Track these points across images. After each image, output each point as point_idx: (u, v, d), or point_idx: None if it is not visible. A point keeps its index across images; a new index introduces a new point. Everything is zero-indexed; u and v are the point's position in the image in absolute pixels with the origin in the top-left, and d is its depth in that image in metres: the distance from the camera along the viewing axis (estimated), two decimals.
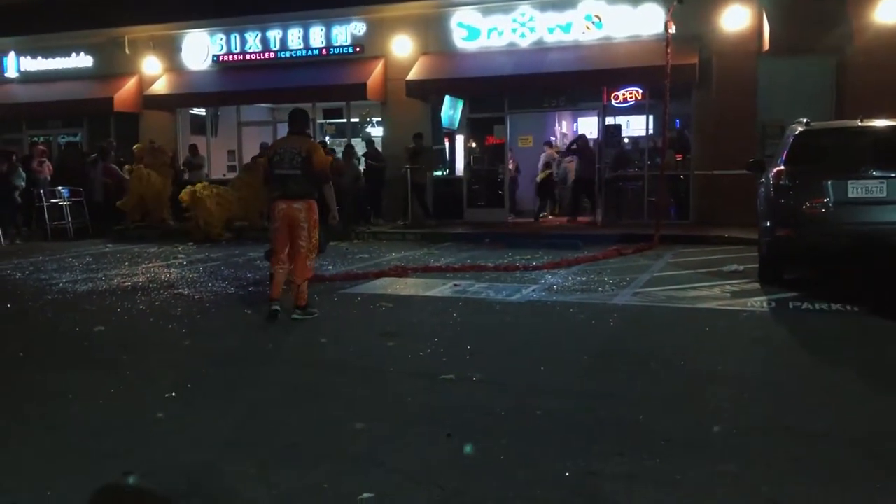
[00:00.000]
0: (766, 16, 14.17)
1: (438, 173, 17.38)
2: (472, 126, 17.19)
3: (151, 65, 19.03)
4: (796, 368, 5.54)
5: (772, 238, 8.42)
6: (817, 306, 7.48)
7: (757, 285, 8.66)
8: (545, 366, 5.53)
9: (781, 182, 8.28)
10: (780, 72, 14.39)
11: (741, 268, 9.70)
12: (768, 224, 8.49)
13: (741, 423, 4.31)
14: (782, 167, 8.39)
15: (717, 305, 7.67)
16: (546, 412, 4.49)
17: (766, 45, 14.16)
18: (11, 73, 20.43)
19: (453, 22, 16.55)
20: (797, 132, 8.71)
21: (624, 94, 15.51)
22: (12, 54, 20.33)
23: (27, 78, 20.27)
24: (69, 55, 19.85)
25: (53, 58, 20.01)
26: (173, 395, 4.99)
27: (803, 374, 5.37)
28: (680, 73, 13.57)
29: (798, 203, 8.13)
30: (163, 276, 10.26)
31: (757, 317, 7.19)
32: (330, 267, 10.89)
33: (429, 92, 16.52)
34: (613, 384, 5.09)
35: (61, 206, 16.23)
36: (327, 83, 17.02)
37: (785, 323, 6.98)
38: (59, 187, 16.34)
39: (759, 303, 7.72)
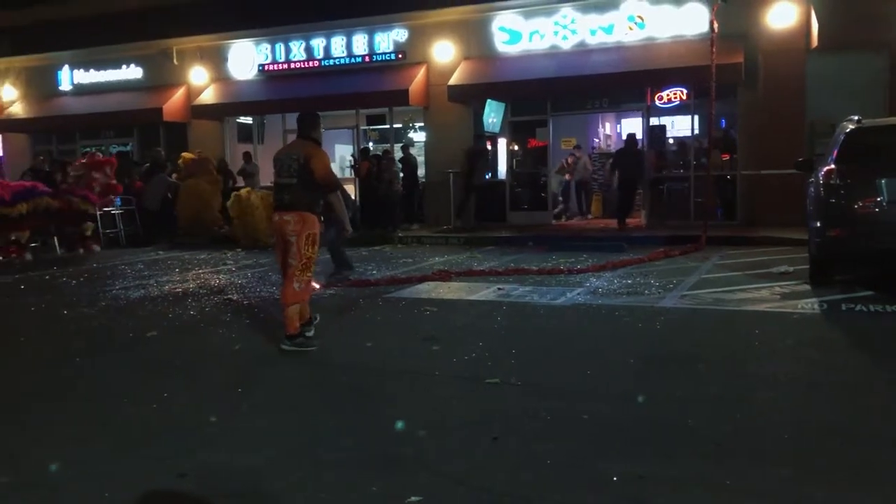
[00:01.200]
0: (815, 12, 13.88)
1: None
2: (515, 129, 17.18)
3: (199, 75, 19.41)
4: (850, 371, 5.40)
5: (822, 238, 8.23)
6: (871, 308, 7.29)
7: (807, 287, 8.48)
8: (591, 369, 5.49)
9: (832, 181, 8.10)
10: (830, 69, 14.08)
11: (791, 269, 9.51)
12: (819, 224, 8.31)
13: (794, 428, 4.22)
14: (833, 166, 8.21)
15: (767, 308, 7.52)
16: (592, 416, 4.45)
17: (815, 41, 13.87)
18: (66, 85, 21.07)
19: (495, 26, 16.56)
20: (848, 130, 8.52)
21: (668, 95, 15.34)
22: (66, 68, 20.96)
23: (80, 90, 20.87)
24: (120, 67, 20.40)
25: (105, 70, 20.60)
26: (223, 398, 5.07)
27: (858, 377, 5.24)
28: (725, 73, 13.37)
29: (850, 202, 7.95)
30: (212, 282, 10.44)
31: (808, 319, 7.03)
32: (374, 271, 10.96)
33: (471, 96, 16.56)
34: (661, 387, 5.02)
35: (114, 214, 16.61)
36: (370, 90, 17.18)
37: (837, 325, 6.82)
38: (113, 196, 16.69)
39: (809, 304, 7.56)
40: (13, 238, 14.11)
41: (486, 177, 17.28)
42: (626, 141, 15.78)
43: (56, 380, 5.74)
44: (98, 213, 15.83)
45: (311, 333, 6.54)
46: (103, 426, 4.59)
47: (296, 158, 6.34)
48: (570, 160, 18.09)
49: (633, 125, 18.31)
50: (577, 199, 18.49)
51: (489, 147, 17.45)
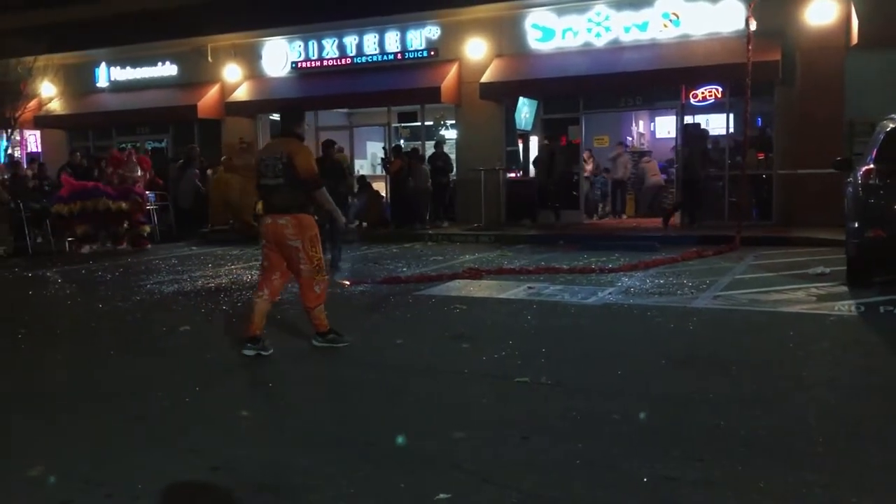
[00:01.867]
0: (855, 8, 13.64)
1: (512, 175, 17.37)
2: (547, 127, 17.10)
3: (233, 72, 19.61)
4: (887, 374, 5.30)
5: (860, 239, 8.09)
6: None
7: (844, 288, 8.34)
8: (622, 369, 5.45)
9: (871, 181, 7.96)
10: (870, 66, 13.80)
11: (827, 270, 9.36)
12: (857, 225, 8.16)
13: (829, 431, 4.15)
14: (872, 165, 8.06)
15: (803, 309, 7.41)
16: (623, 416, 4.43)
17: (855, 38, 13.63)
18: (103, 82, 21.43)
19: (527, 23, 16.50)
20: (889, 129, 8.36)
21: (703, 93, 15.18)
22: (103, 65, 21.31)
23: (117, 87, 21.21)
24: (155, 64, 20.69)
25: (141, 67, 20.90)
26: (254, 393, 5.13)
27: (895, 381, 5.14)
28: (762, 71, 13.19)
29: (889, 203, 7.81)
30: (244, 278, 10.55)
31: (845, 321, 6.92)
32: (404, 269, 11.00)
33: (503, 94, 16.53)
34: (693, 389, 4.97)
35: (149, 210, 16.83)
36: (402, 87, 17.22)
37: (875, 327, 6.70)
38: (147, 192, 16.91)
39: (846, 306, 7.43)
40: (76, 233, 14.43)
41: (514, 175, 17.21)
42: (694, 136, 15.41)
43: (91, 373, 5.84)
44: (152, 207, 16.04)
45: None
46: (137, 419, 4.66)
47: (279, 157, 6.05)
48: (614, 156, 17.84)
49: (667, 123, 18.18)
50: (612, 198, 18.35)
51: (520, 145, 17.39)
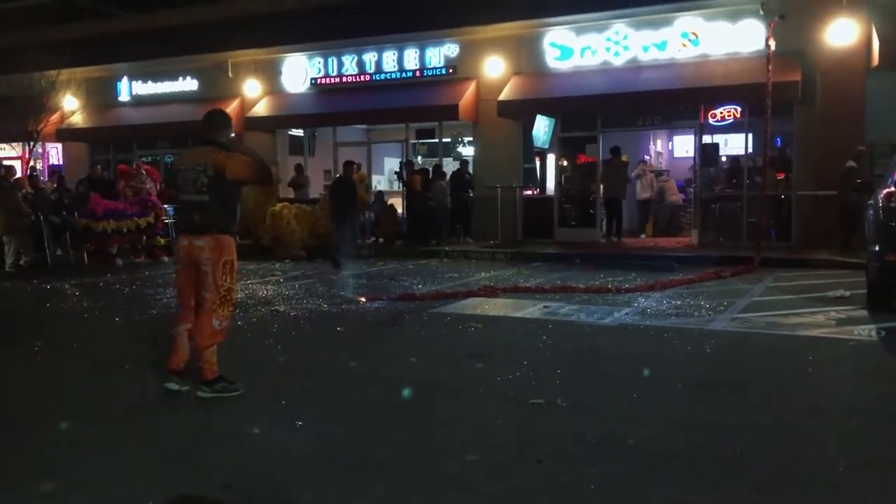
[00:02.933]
0: (876, 29, 13.57)
1: (529, 192, 17.37)
2: (564, 144, 17.12)
3: (252, 88, 19.78)
4: None
5: (881, 263, 8.00)
6: None
7: (865, 312, 8.24)
8: (638, 392, 5.40)
9: (892, 204, 7.88)
10: (891, 88, 13.68)
11: (848, 293, 9.26)
12: (877, 248, 8.08)
13: (849, 459, 4.09)
14: (893, 188, 7.98)
15: (822, 333, 7.33)
16: (638, 440, 4.38)
17: (876, 60, 13.55)
18: (124, 96, 21.68)
19: (546, 42, 16.55)
20: None
21: (722, 113, 15.14)
22: (125, 79, 21.57)
23: (138, 101, 21.45)
24: (176, 79, 20.90)
25: (162, 82, 21.12)
26: (268, 410, 5.12)
27: None
28: (781, 91, 13.13)
29: None
30: (259, 293, 10.59)
31: (865, 346, 6.83)
32: (420, 286, 10.99)
33: (520, 112, 16.57)
34: (709, 414, 4.92)
35: (166, 223, 16.93)
36: (420, 104, 17.31)
37: None
38: (165, 205, 17.00)
39: (867, 331, 7.34)
40: (112, 249, 14.73)
41: (531, 193, 17.19)
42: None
43: (104, 388, 5.86)
44: (169, 221, 16.17)
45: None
46: (149, 435, 4.67)
47: (202, 171, 5.35)
48: (637, 174, 17.73)
49: (685, 142, 18.13)
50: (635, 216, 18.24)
51: (537, 162, 17.39)
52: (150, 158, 21.49)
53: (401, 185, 17.87)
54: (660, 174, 18.38)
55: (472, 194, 17.12)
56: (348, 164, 14.50)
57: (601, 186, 16.31)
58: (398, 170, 18.28)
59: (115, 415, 5.12)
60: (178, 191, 5.50)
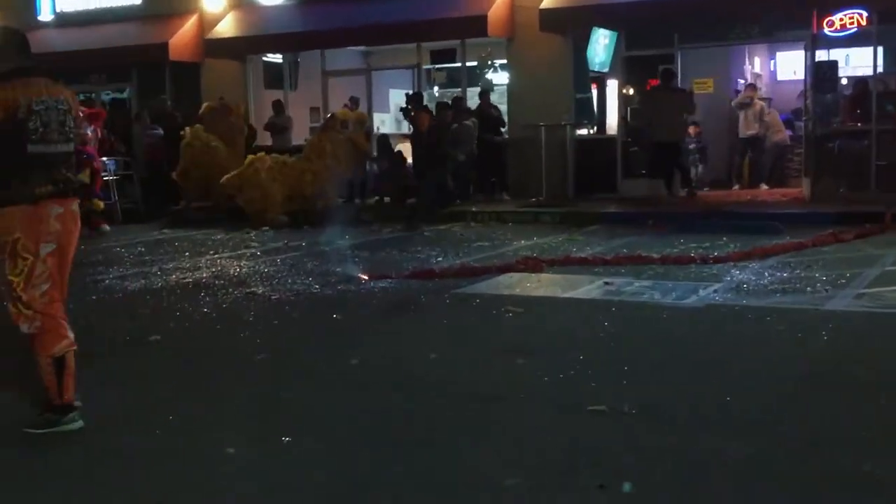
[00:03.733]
0: None
1: (583, 131, 17.28)
2: (630, 67, 16.99)
3: (214, 1, 19.71)
4: None
5: None
6: None
7: None
8: (730, 394, 5.41)
9: None
10: None
11: None
12: None
13: None
14: None
15: None
16: (731, 457, 4.40)
17: None
18: (46, 15, 21.74)
19: None
20: None
21: (841, 20, 14.88)
22: None
23: (64, 21, 21.49)
24: None
25: None
26: (243, 424, 5.18)
27: None
28: None
29: None
30: (231, 271, 10.69)
31: None
32: (440, 258, 11.03)
33: (571, 23, 16.40)
34: (825, 420, 4.93)
35: (107, 181, 16.92)
36: (435, 16, 17.23)
37: None
38: (105, 158, 16.92)
39: None
40: None
41: (587, 132, 17.09)
42: None
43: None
44: (111, 178, 16.25)
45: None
46: (101, 454, 4.75)
47: (67, 109, 5.05)
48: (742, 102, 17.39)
49: (792, 60, 17.92)
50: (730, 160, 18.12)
51: (594, 91, 17.30)
52: (82, 96, 21.60)
53: (409, 126, 17.78)
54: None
55: (505, 136, 17.06)
56: (443, 106, 14.17)
57: (650, 126, 15.87)
58: (406, 104, 18.12)
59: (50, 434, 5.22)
60: (29, 139, 4.90)
